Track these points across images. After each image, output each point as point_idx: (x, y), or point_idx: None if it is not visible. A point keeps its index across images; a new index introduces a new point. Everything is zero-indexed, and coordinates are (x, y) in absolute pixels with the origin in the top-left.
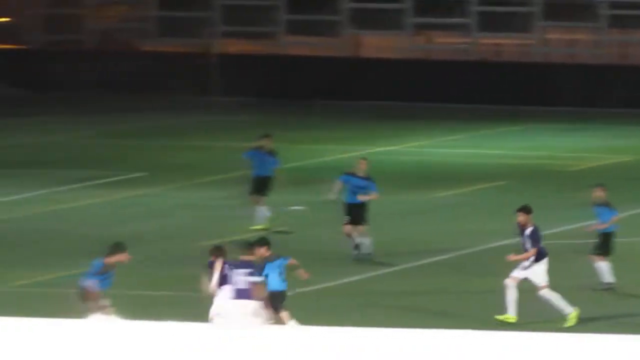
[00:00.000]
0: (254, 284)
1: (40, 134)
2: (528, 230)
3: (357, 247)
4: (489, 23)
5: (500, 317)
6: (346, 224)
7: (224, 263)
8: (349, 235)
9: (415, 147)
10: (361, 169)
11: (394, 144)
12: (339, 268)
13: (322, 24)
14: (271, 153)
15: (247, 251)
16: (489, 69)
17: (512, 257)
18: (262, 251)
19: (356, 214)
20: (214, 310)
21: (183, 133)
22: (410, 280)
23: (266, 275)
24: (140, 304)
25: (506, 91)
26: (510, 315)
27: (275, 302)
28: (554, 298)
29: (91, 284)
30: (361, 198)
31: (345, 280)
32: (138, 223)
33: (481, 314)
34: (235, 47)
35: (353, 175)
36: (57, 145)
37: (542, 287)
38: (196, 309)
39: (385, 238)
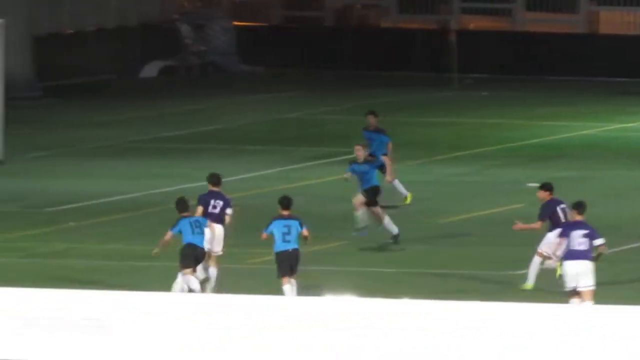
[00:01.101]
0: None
1: (276, 112)
2: None
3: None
4: None
5: None
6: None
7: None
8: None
9: None
10: (359, 155)
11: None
12: None
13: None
14: (378, 130)
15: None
16: None
17: None
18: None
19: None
20: None
21: (422, 109)
22: None
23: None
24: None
25: None
26: None
27: None
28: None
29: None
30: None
31: None
32: None
33: None
34: (474, 23)
35: (355, 163)
36: (292, 122)
37: None
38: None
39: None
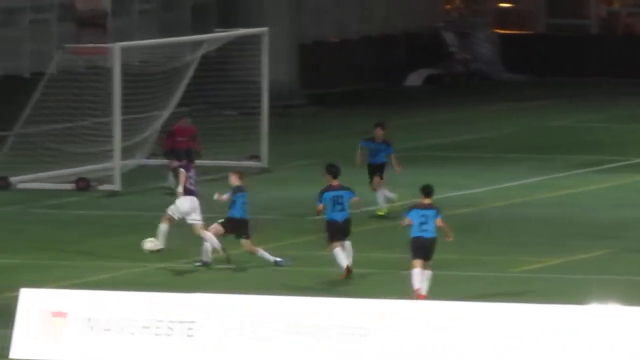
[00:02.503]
0: None
1: (540, 119)
2: None
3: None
4: None
5: None
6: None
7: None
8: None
9: None
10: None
11: None
12: None
13: None
14: (385, 142)
15: None
16: None
17: None
18: None
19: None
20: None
21: None
22: None
23: None
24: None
25: None
26: None
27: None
28: None
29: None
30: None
31: None
32: (627, 210)
33: None
34: None
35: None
36: (556, 130)
37: None
38: None
39: None
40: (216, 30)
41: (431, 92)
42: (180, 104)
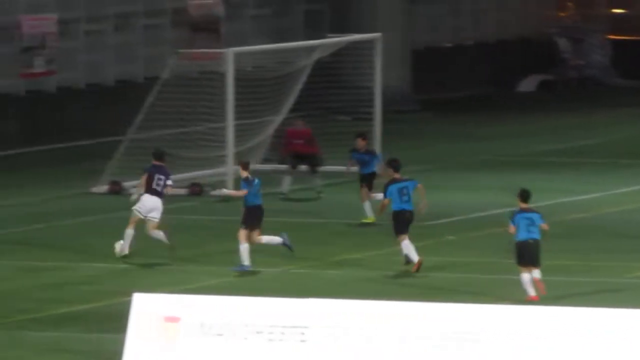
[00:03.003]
0: None
1: None
2: None
3: None
4: None
5: None
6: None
7: None
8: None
9: None
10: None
11: None
12: None
13: None
14: (369, 152)
15: None
16: None
17: None
18: None
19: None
20: None
21: None
22: None
23: None
24: None
25: None
26: None
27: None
28: None
29: None
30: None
31: None
32: None
33: None
34: None
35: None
36: None
37: None
38: None
39: None
40: (329, 35)
41: (544, 98)
42: (293, 109)
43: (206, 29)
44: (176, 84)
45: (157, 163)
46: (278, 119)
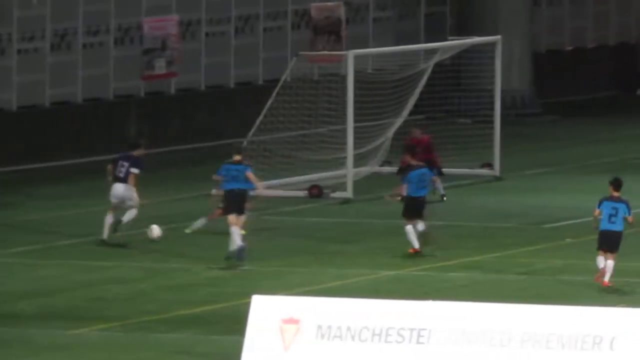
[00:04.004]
0: None
1: None
2: None
3: None
4: None
5: None
6: None
7: None
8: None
9: None
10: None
11: None
12: None
13: None
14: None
15: None
16: None
17: None
18: None
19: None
20: None
21: None
22: None
23: None
24: None
25: None
26: None
27: None
28: None
29: None
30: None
31: None
32: None
33: None
34: None
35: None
36: None
37: None
38: None
39: None
40: (450, 38)
41: None
42: (414, 111)
43: (328, 31)
44: (297, 86)
45: (130, 153)
46: (398, 122)
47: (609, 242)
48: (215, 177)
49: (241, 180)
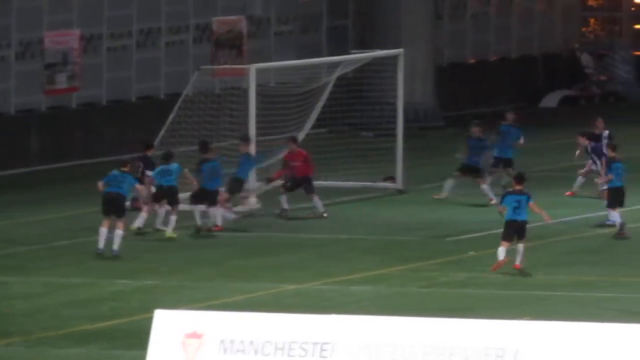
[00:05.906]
0: None
1: None
2: None
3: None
4: None
5: None
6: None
7: None
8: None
9: None
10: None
11: None
12: None
13: None
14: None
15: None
16: None
17: None
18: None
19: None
20: None
21: None
22: None
23: None
24: None
25: None
26: None
27: None
28: None
29: None
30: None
31: None
32: None
33: None
34: None
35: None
36: None
37: None
38: None
39: None
40: (352, 51)
41: (566, 114)
42: (317, 125)
43: (230, 45)
44: (198, 100)
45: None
46: (301, 135)
47: (516, 231)
48: (100, 184)
49: (124, 185)
